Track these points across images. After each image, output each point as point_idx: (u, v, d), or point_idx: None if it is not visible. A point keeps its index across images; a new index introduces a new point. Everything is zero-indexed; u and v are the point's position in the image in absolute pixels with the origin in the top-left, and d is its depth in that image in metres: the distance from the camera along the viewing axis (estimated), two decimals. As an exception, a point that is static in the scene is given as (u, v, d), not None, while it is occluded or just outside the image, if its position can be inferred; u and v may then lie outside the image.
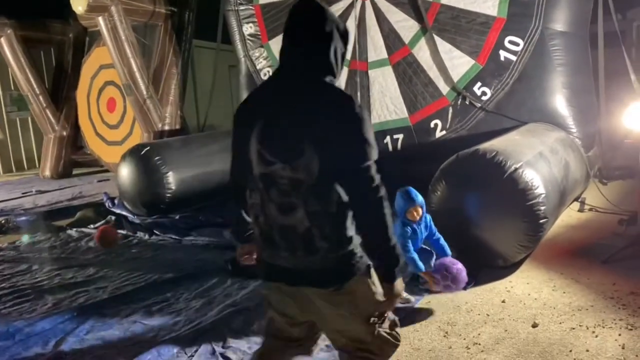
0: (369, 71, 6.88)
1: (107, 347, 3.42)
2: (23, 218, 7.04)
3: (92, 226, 6.45)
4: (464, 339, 3.26)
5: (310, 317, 2.09)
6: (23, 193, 9.22)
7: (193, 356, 3.22)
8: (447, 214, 4.28)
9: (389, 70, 6.71)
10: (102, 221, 6.58)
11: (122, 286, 4.53)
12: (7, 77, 11.91)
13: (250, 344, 3.33)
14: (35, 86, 10.87)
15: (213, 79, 9.28)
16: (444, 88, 6.40)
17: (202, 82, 15.14)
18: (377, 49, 6.80)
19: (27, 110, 11.85)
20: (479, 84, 6.21)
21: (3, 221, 6.76)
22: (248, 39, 7.98)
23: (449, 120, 6.36)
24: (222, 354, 3.23)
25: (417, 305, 3.75)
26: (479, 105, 6.20)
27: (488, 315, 3.56)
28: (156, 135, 9.36)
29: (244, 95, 8.11)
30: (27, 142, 12.80)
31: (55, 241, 6.02)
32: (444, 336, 3.31)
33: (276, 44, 7.75)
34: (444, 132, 6.38)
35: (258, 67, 7.94)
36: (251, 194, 2.03)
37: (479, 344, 3.18)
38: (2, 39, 10.42)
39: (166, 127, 9.53)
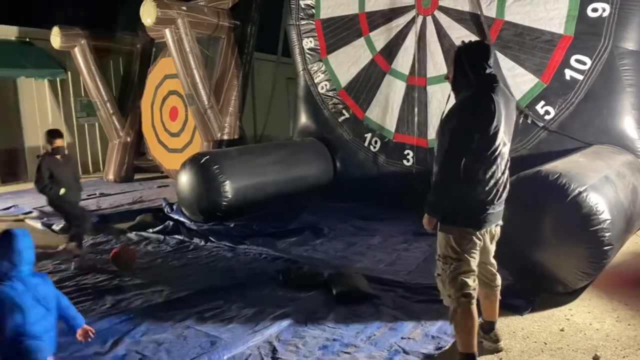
0: (428, 87, 6.83)
1: (160, 350, 3.50)
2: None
3: (150, 230, 6.66)
4: (519, 366, 3.15)
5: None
6: (88, 195, 9.64)
7: (243, 365, 3.26)
8: (505, 236, 4.15)
9: (448, 86, 6.60)
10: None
11: (177, 291, 4.65)
12: (78, 85, 12.56)
13: (299, 357, 3.34)
14: (103, 94, 11.41)
15: (272, 91, 9.45)
16: (504, 105, 6.24)
17: (261, 93, 15.48)
18: (436, 64, 6.75)
19: (95, 117, 12.44)
20: (542, 102, 6.04)
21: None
22: (307, 53, 8.09)
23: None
24: (271, 365, 3.25)
25: (470, 328, 3.65)
26: (542, 124, 6.02)
27: (545, 343, 3.42)
28: (215, 144, 9.60)
29: (302, 107, 8.23)
30: (94, 146, 13.42)
31: (116, 243, 6.25)
32: (498, 362, 3.21)
33: (334, 59, 7.83)
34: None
35: (316, 81, 8.03)
36: (486, 170, 2.86)
37: (535, 373, 3.06)
38: (76, 48, 11.01)
39: (225, 137, 9.76)
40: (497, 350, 3.29)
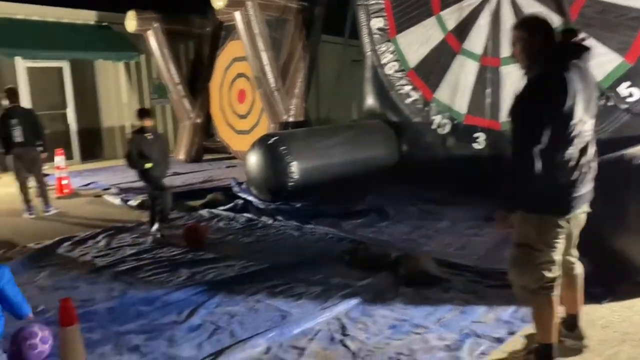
0: (501, 67, 6.60)
1: (233, 322, 3.63)
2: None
3: (221, 208, 6.87)
4: (598, 356, 3.03)
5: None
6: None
7: (313, 340, 3.32)
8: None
9: (523, 67, 6.36)
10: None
11: (247, 266, 4.79)
12: (151, 67, 13.03)
13: (369, 335, 3.36)
14: (175, 76, 11.78)
15: (338, 73, 9.43)
16: (584, 86, 5.94)
17: (324, 76, 15.48)
18: (511, 44, 6.49)
19: (166, 98, 12.89)
20: (626, 83, 5.70)
21: (145, 198, 7.40)
22: (375, 33, 8.00)
23: (590, 120, 5.90)
24: (341, 341, 3.30)
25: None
26: (625, 107, 5.68)
27: (626, 333, 3.27)
28: (281, 126, 9.72)
29: (368, 88, 8.16)
30: (165, 127, 13.92)
31: (189, 219, 6.49)
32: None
33: (403, 39, 7.70)
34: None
35: (383, 62, 7.94)
36: (564, 152, 2.67)
37: (616, 364, 2.93)
38: (150, 31, 11.40)
39: (291, 119, 9.86)
40: (582, 348, 3.05)
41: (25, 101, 10.89)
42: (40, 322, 3.35)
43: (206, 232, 5.62)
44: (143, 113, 5.78)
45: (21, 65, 10.90)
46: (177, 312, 3.83)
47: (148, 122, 5.71)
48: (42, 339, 2.97)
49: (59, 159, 8.53)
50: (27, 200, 7.01)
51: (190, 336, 3.43)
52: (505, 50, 6.55)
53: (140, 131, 5.70)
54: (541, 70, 2.72)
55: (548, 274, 2.77)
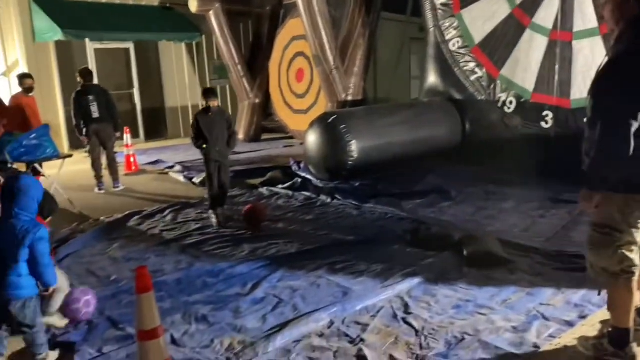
0: (573, 42, 6.27)
1: (295, 296, 3.68)
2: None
3: (280, 186, 6.95)
4: (679, 345, 2.87)
5: None
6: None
7: (375, 317, 3.32)
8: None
9: (598, 42, 6.03)
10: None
11: (307, 243, 4.83)
12: (212, 47, 13.25)
13: (432, 314, 3.33)
14: (235, 56, 11.93)
15: (399, 51, 9.27)
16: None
17: (382, 54, 15.25)
18: (585, 17, 6.15)
19: (226, 79, 13.09)
20: None
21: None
22: (439, 9, 7.78)
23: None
24: (403, 319, 3.28)
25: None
26: None
27: None
28: (339, 105, 9.67)
29: (430, 65, 7.98)
30: (225, 107, 14.14)
31: (250, 197, 6.61)
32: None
33: (468, 14, 7.46)
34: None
35: (447, 38, 7.72)
36: None
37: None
38: (211, 12, 11.56)
39: (349, 98, 9.79)
40: None
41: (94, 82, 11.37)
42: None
43: (265, 214, 5.57)
44: (207, 93, 5.80)
45: (90, 47, 11.35)
46: (241, 284, 3.92)
47: (213, 102, 5.73)
48: (85, 303, 3.40)
49: (127, 137, 8.88)
50: (98, 177, 7.34)
51: (254, 308, 3.51)
52: (579, 23, 6.21)
53: (204, 111, 5.79)
54: (628, 46, 2.53)
55: (630, 256, 2.64)
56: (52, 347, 3.03)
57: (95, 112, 7.16)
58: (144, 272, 2.35)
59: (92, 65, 11.38)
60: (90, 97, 7.15)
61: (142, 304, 2.35)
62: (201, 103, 13.52)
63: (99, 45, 11.55)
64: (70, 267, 4.44)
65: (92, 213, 6.18)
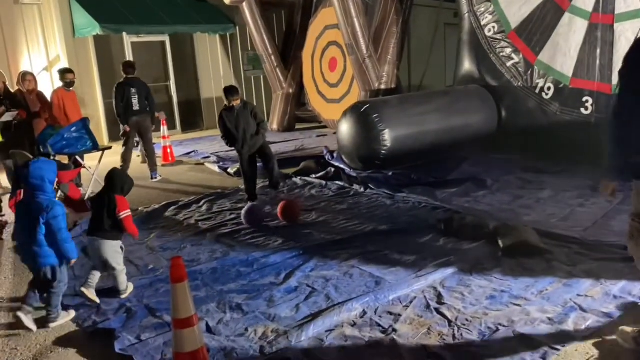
0: (615, 25, 6.05)
1: (328, 285, 3.70)
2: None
3: (313, 176, 6.97)
4: None
5: None
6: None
7: (408, 307, 3.31)
8: None
9: (641, 24, 5.81)
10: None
11: (340, 232, 4.85)
12: (246, 39, 13.33)
13: (466, 304, 3.30)
14: (268, 46, 11.98)
15: (433, 38, 9.12)
16: None
17: (416, 41, 15.03)
18: (628, -2, 5.92)
19: (260, 69, 13.17)
20: None
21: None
22: (474, -6, 7.61)
23: None
24: (436, 310, 3.26)
25: (661, 292, 3.30)
26: None
27: None
28: (372, 93, 9.62)
29: (465, 52, 7.83)
30: (259, 97, 14.27)
31: (283, 187, 6.66)
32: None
33: (504, -2, 7.26)
34: None
35: (483, 23, 7.55)
36: None
37: None
38: (245, 3, 11.62)
39: (382, 86, 9.72)
40: None
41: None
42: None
43: (299, 207, 5.46)
44: (227, 93, 5.79)
45: (127, 41, 11.58)
46: (275, 274, 3.97)
47: (235, 101, 5.73)
48: None
49: (164, 129, 9.05)
50: (126, 166, 7.47)
51: (288, 297, 3.55)
52: (621, 5, 5.99)
53: (228, 108, 5.84)
54: None
55: None
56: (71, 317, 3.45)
57: (135, 104, 7.37)
58: (178, 262, 2.40)
59: (129, 58, 11.62)
60: (133, 90, 7.36)
61: (176, 293, 2.41)
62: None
63: (135, 39, 11.77)
64: (110, 256, 4.58)
65: (132, 203, 6.32)
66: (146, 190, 7.07)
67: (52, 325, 3.36)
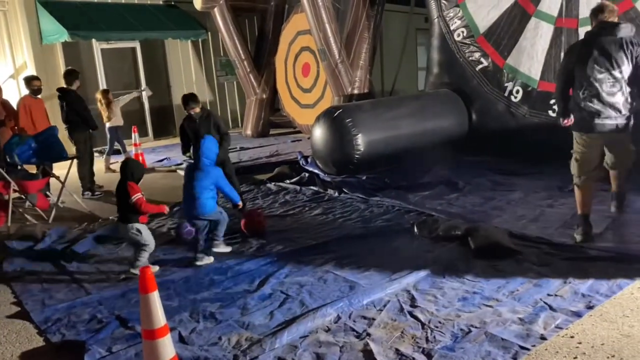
0: (579, 29, 6.20)
1: (303, 291, 3.69)
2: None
3: (288, 181, 6.96)
4: (689, 333, 2.85)
5: None
6: (230, 149, 10.29)
7: (382, 311, 3.33)
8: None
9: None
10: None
11: (314, 238, 4.85)
12: (217, 44, 13.26)
13: (438, 307, 3.33)
14: (241, 52, 11.93)
15: (404, 43, 9.21)
16: (675, 46, 5.49)
17: (388, 46, 15.18)
18: (590, 3, 6.04)
19: (233, 75, 13.10)
20: None
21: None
22: (443, -1, 7.72)
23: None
24: (410, 313, 3.28)
25: (627, 289, 3.38)
26: None
27: None
28: (346, 98, 9.64)
29: (435, 56, 7.93)
30: (233, 103, 14.20)
31: (257, 193, 6.63)
32: (661, 327, 2.93)
33: (472, 3, 7.39)
34: (670, 98, 5.50)
35: (452, 28, 7.66)
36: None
37: None
38: (216, 8, 11.56)
39: (355, 91, 9.75)
40: None
41: (101, 82, 11.43)
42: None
43: (262, 219, 5.16)
44: (185, 101, 5.74)
45: (96, 47, 11.40)
46: (249, 281, 3.95)
47: (194, 110, 5.67)
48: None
49: (135, 136, 8.94)
50: (85, 185, 7.31)
51: (262, 304, 3.53)
52: (584, 9, 6.14)
53: (189, 117, 5.79)
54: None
55: None
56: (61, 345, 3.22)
57: (64, 117, 7.12)
58: (147, 272, 2.37)
59: (99, 65, 11.45)
60: (62, 103, 7.09)
61: (146, 303, 2.38)
62: (209, 99, 13.58)
63: (105, 46, 11.60)
64: (80, 266, 4.50)
65: (102, 212, 6.24)
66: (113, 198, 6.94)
67: None
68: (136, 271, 4.00)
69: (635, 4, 5.70)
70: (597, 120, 4.07)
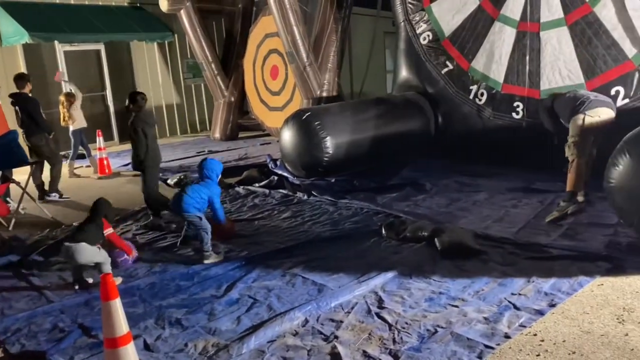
0: (541, 33, 6.34)
1: (271, 295, 3.67)
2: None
3: (257, 185, 6.92)
4: (644, 328, 2.94)
5: None
6: (197, 152, 10.20)
7: (349, 313, 3.34)
8: (629, 190, 3.85)
9: (564, 32, 6.12)
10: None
11: (284, 240, 4.83)
12: (185, 47, 13.10)
13: (405, 308, 3.36)
14: (208, 54, 11.81)
15: (371, 46, 9.27)
16: (630, 50, 5.68)
17: (357, 49, 15.26)
18: (551, 7, 6.22)
19: (200, 77, 12.96)
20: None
21: (182, 177, 7.55)
22: (409, 3, 7.80)
23: (634, 86, 5.65)
24: (377, 314, 3.30)
25: (587, 286, 3.47)
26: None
27: (675, 305, 3.17)
28: (314, 101, 9.66)
29: (402, 60, 8.00)
30: (200, 106, 14.05)
31: (226, 197, 6.57)
32: (619, 322, 3.02)
33: (437, 7, 7.49)
34: (626, 100, 5.69)
35: (418, 32, 7.75)
36: None
37: (663, 336, 2.84)
38: (182, 10, 11.42)
39: (324, 94, 9.78)
40: None
41: (65, 85, 11.16)
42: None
43: (232, 231, 5.12)
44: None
45: (59, 50, 11.13)
46: (216, 286, 3.90)
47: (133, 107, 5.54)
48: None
49: (100, 140, 8.75)
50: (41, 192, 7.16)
51: (229, 310, 3.50)
52: (546, 14, 6.29)
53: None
54: None
55: None
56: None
57: (19, 124, 6.98)
58: (108, 279, 2.32)
59: (62, 67, 11.18)
60: (16, 108, 6.92)
61: (107, 311, 2.33)
62: (176, 102, 13.41)
63: (68, 48, 11.34)
64: (41, 273, 4.37)
65: (65, 219, 6.09)
66: (80, 205, 6.80)
67: None
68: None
69: (593, 9, 5.87)
70: None
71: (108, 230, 4.29)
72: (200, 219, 4.55)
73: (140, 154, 5.46)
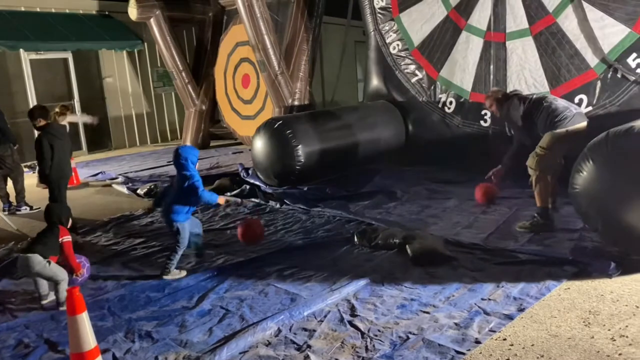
0: (507, 42, 6.50)
1: (243, 305, 3.64)
2: (168, 184, 7.68)
3: (229, 194, 6.87)
4: (609, 330, 3.02)
5: None
6: (168, 162, 10.07)
7: (322, 321, 3.33)
8: (593, 196, 3.96)
9: (529, 42, 6.28)
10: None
11: (256, 250, 4.80)
12: (155, 55, 12.99)
13: (378, 315, 3.37)
14: (178, 63, 11.72)
15: (342, 55, 9.34)
16: (592, 60, 5.86)
17: (328, 58, 15.37)
18: (517, 18, 6.39)
19: (171, 86, 12.86)
20: (634, 55, 5.60)
21: (152, 186, 7.45)
22: (379, 13, 7.90)
23: (597, 95, 5.83)
24: (350, 322, 3.30)
25: (555, 290, 3.54)
26: (633, 78, 5.59)
27: (638, 307, 3.26)
28: (286, 110, 9.67)
29: (373, 69, 8.09)
30: (171, 115, 13.92)
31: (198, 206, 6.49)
32: (585, 325, 3.09)
33: (407, 17, 7.61)
34: (589, 107, 5.86)
35: (388, 41, 7.85)
36: None
37: (626, 337, 2.92)
38: (152, 19, 11.33)
39: (296, 102, 9.80)
40: None
41: (30, 94, 10.93)
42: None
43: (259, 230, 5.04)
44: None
45: (25, 58, 10.91)
46: (187, 297, 3.85)
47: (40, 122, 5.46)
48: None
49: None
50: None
51: (200, 321, 3.45)
52: (511, 24, 6.45)
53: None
54: None
55: None
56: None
57: None
58: (74, 292, 2.27)
59: (28, 77, 10.95)
60: None
61: (74, 325, 2.27)
62: (146, 111, 13.26)
63: (34, 56, 11.12)
64: (5, 287, 4.25)
65: (31, 231, 5.93)
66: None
67: None
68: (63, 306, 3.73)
69: (556, 20, 6.04)
70: None
71: (64, 238, 3.94)
72: (182, 230, 4.32)
73: (45, 168, 5.34)
